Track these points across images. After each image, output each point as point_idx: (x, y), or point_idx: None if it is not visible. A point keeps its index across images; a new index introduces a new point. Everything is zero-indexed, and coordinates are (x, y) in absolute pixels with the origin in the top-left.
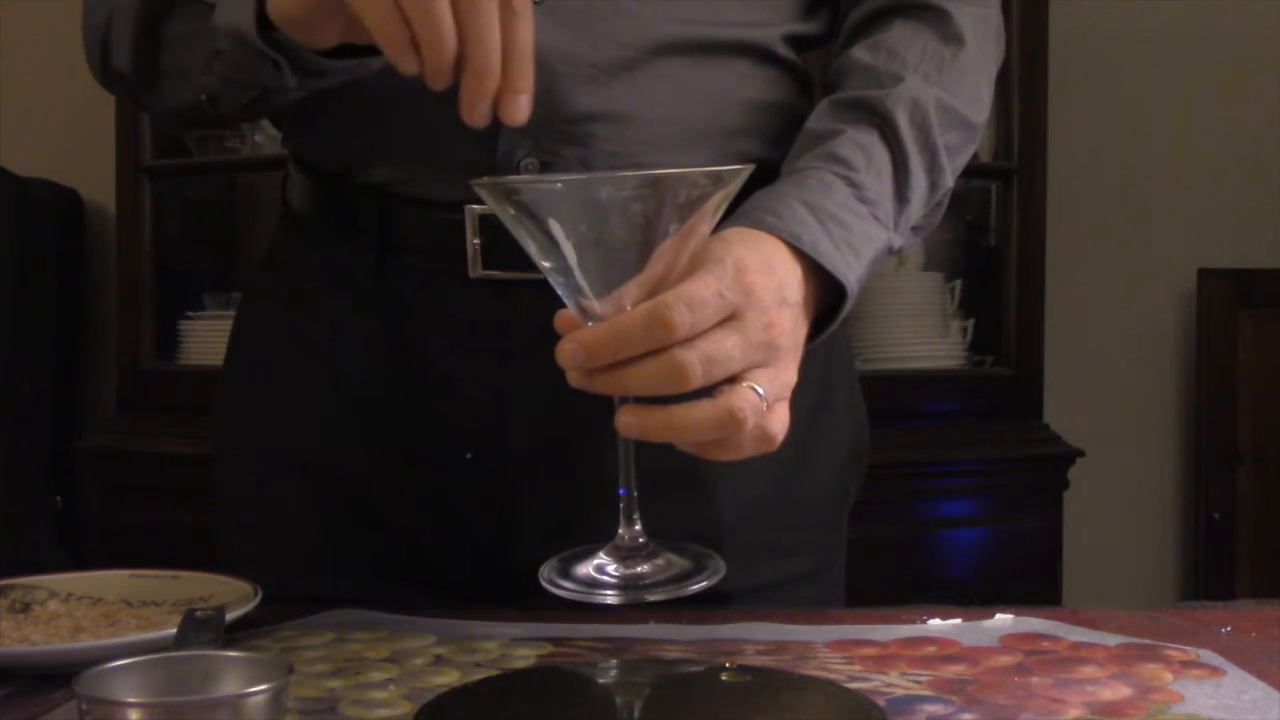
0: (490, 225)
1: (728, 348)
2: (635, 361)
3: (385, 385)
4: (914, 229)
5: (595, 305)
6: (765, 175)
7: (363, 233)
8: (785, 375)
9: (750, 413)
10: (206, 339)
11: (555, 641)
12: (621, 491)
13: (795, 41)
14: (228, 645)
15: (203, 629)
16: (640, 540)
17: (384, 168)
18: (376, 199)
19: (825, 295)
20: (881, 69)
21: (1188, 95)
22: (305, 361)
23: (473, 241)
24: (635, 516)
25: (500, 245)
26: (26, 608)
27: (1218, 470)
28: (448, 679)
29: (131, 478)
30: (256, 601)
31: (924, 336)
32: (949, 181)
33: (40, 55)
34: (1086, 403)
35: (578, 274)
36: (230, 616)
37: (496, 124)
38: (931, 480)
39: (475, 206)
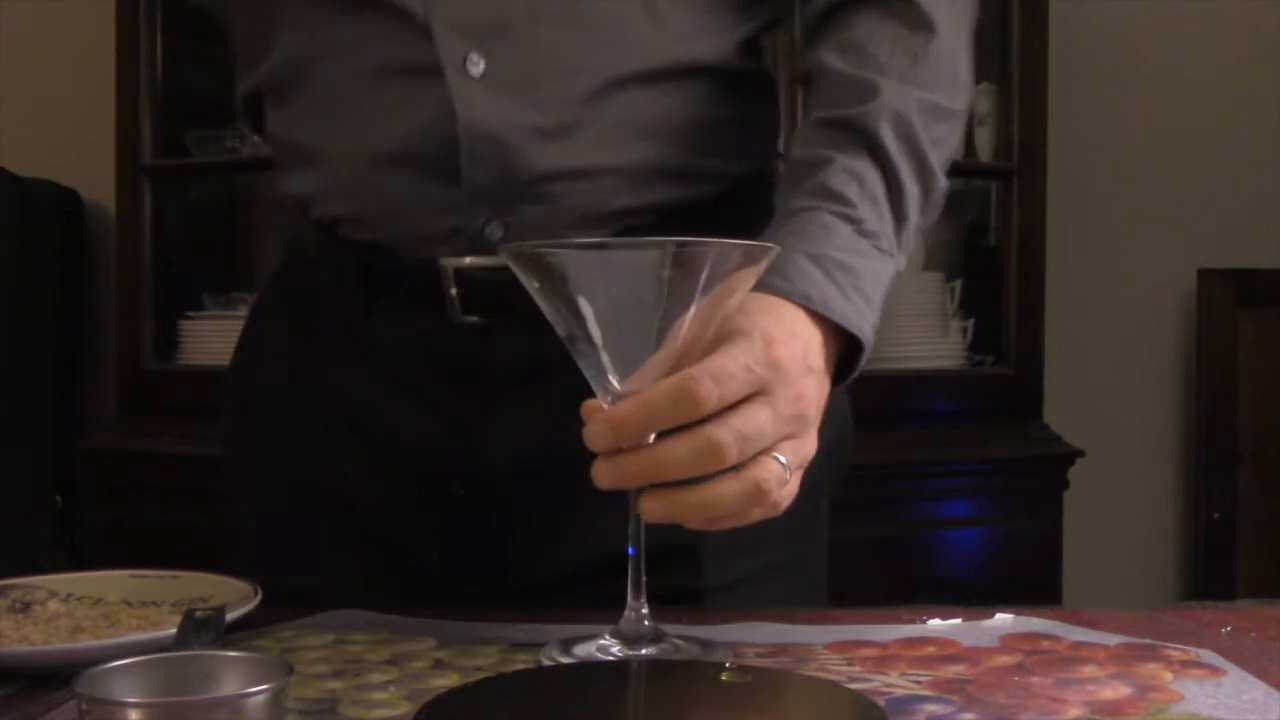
0: (466, 276)
1: (760, 423)
2: (668, 443)
3: (382, 413)
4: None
5: (620, 382)
6: (730, 187)
7: (350, 279)
8: (808, 446)
9: (775, 485)
10: (206, 339)
11: None
12: (630, 551)
13: (750, 44)
14: (228, 645)
15: (203, 629)
16: (646, 623)
17: (360, 230)
18: (358, 252)
19: (842, 344)
20: (856, 77)
21: (1187, 95)
22: (304, 382)
23: (450, 292)
24: (643, 598)
25: (479, 293)
26: (26, 608)
27: (1218, 470)
28: (448, 682)
29: (131, 478)
30: (256, 601)
31: (924, 336)
32: (941, 180)
33: (40, 55)
34: (1086, 403)
35: (602, 348)
36: (230, 616)
37: (458, 193)
38: (931, 480)
39: (449, 262)
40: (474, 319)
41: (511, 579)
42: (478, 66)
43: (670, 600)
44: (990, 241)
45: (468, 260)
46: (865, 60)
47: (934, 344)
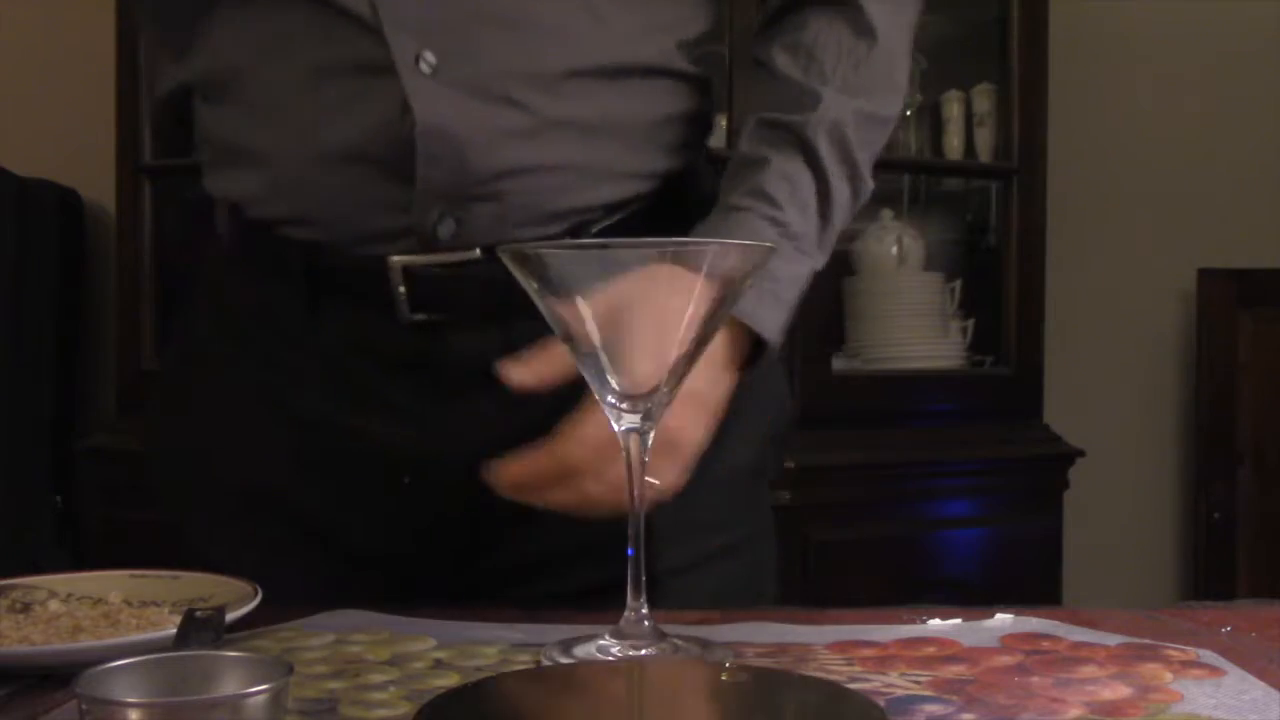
0: (413, 274)
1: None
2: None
3: (323, 411)
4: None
5: (619, 383)
6: (665, 184)
7: (292, 276)
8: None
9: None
10: None
11: None
12: (630, 552)
13: (688, 47)
14: (228, 645)
15: (203, 629)
16: (646, 624)
17: (304, 230)
18: (301, 251)
19: (752, 338)
20: (800, 84)
21: (1187, 95)
22: (241, 387)
23: (398, 289)
24: (643, 597)
25: (428, 291)
26: (26, 608)
27: (1218, 470)
28: (448, 682)
29: (131, 478)
30: (257, 601)
31: (924, 336)
32: (869, 183)
33: (40, 55)
34: (1086, 403)
35: (602, 349)
36: (230, 616)
37: (410, 191)
38: (931, 480)
39: (396, 259)
40: (422, 317)
41: (476, 575)
42: (430, 64)
43: (686, 603)
44: (990, 241)
45: (417, 258)
46: (811, 66)
47: (934, 344)
